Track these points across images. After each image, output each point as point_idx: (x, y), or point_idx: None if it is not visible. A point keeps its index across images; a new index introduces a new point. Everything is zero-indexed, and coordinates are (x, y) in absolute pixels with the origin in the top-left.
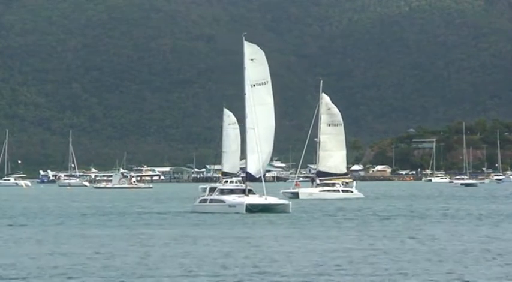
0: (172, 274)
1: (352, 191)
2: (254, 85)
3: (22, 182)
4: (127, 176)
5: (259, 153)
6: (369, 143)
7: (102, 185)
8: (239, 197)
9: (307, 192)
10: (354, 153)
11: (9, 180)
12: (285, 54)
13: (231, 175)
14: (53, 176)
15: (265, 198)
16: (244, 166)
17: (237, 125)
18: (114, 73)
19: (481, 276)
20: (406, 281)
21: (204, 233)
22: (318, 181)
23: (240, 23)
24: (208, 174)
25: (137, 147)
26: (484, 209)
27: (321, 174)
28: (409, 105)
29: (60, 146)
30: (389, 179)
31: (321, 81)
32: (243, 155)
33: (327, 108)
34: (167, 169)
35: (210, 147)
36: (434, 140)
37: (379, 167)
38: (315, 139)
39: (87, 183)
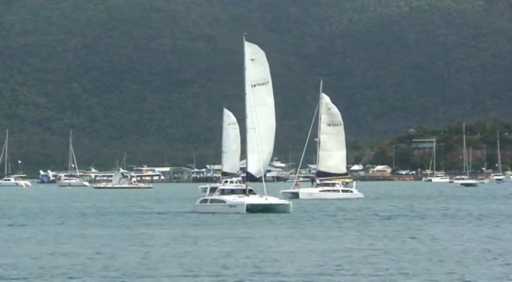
0: (172, 274)
1: (352, 191)
2: (255, 85)
3: (22, 182)
4: (127, 176)
5: (260, 154)
6: (369, 143)
7: (102, 185)
8: (240, 197)
9: (307, 192)
10: (354, 153)
11: (9, 180)
12: (285, 54)
13: (231, 175)
14: (53, 176)
15: (266, 198)
16: (244, 166)
17: (237, 125)
18: (114, 73)
19: (482, 276)
20: (407, 281)
21: (205, 233)
22: (318, 181)
23: (240, 23)
24: (208, 174)
25: (137, 147)
26: (484, 209)
27: (321, 174)
28: (409, 105)
29: (60, 146)
30: (389, 179)
31: (321, 81)
32: (243, 155)
33: (327, 108)
34: (167, 169)
35: (210, 147)
36: (434, 140)
37: (379, 167)
38: (315, 139)
39: (87, 183)
